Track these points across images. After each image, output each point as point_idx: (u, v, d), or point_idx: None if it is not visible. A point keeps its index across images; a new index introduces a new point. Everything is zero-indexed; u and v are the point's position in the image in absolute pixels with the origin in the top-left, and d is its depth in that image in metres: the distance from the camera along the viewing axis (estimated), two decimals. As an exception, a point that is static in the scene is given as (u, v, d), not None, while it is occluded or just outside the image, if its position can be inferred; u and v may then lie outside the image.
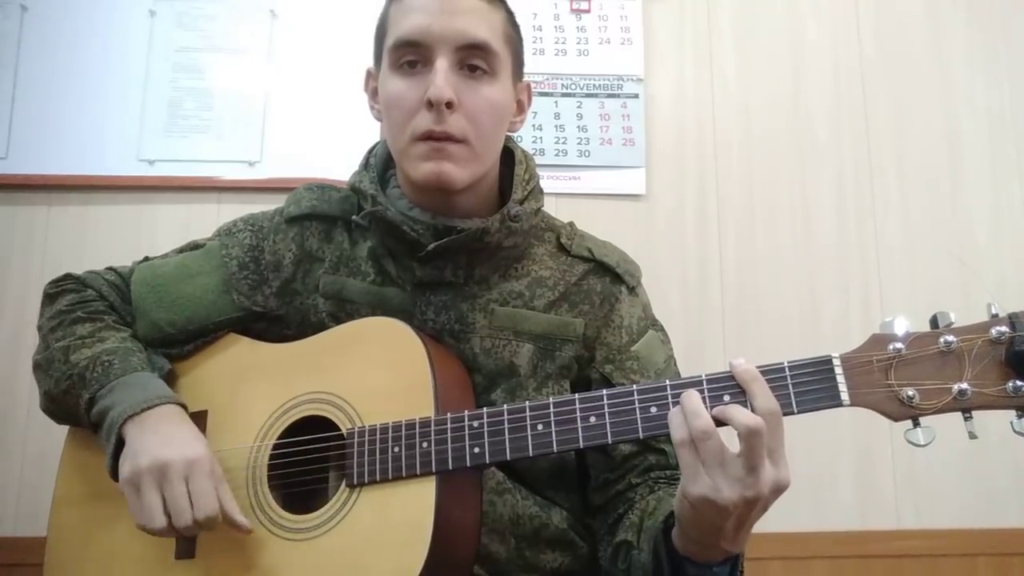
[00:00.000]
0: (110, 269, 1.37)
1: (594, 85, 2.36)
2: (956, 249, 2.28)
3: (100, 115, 2.25)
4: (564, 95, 2.35)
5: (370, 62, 1.33)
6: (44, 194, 2.22)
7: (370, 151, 1.35)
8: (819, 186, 2.33)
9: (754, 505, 0.93)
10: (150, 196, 2.24)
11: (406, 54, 1.21)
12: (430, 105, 1.17)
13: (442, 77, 1.17)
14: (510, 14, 1.29)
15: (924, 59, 2.39)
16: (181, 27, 2.30)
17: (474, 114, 1.20)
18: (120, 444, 1.15)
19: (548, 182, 2.25)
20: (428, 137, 1.18)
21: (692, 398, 0.96)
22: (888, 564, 2.11)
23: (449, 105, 1.17)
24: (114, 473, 1.16)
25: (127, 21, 2.30)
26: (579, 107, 2.35)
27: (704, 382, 1.00)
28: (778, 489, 0.94)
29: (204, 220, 2.16)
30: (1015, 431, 0.91)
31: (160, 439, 1.13)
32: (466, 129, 1.19)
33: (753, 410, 0.94)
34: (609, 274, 1.31)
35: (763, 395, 0.95)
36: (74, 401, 1.22)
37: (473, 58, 1.20)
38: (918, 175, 2.33)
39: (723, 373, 1.00)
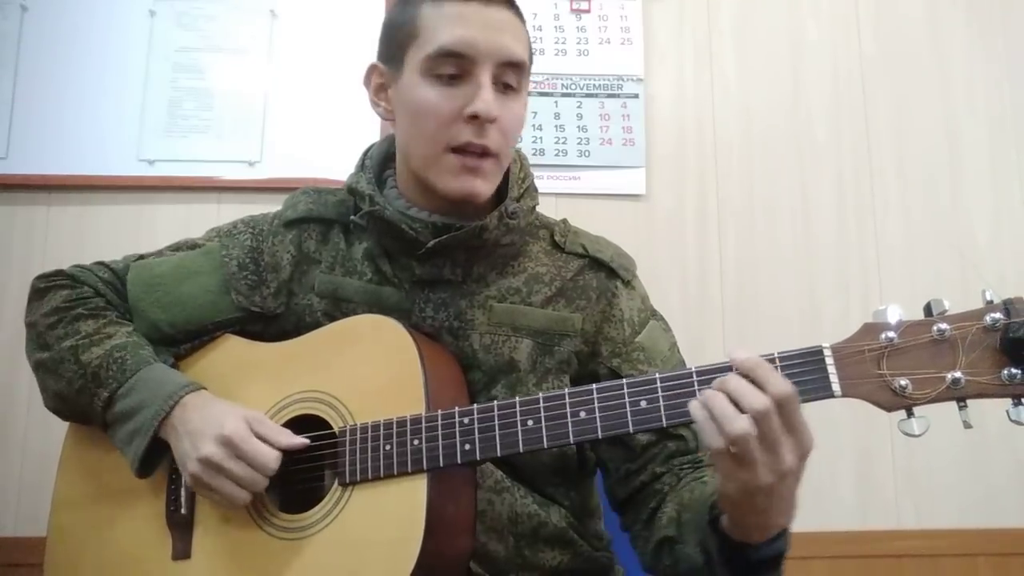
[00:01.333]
0: (102, 265, 1.36)
1: (594, 85, 2.36)
2: (956, 247, 2.27)
3: (100, 115, 2.25)
4: (564, 95, 2.35)
5: (371, 60, 1.31)
6: (44, 194, 2.23)
7: (365, 153, 1.35)
8: (819, 186, 2.32)
9: (787, 476, 0.93)
10: (150, 196, 2.24)
11: (447, 64, 1.18)
12: (473, 118, 1.17)
13: (489, 92, 1.17)
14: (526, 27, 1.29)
15: (924, 59, 2.39)
16: (181, 27, 2.31)
17: (507, 130, 1.21)
18: (154, 444, 1.19)
19: (548, 182, 2.27)
20: (465, 150, 1.18)
21: (717, 400, 0.94)
22: (888, 564, 2.11)
23: (492, 121, 1.17)
24: (141, 473, 1.20)
25: (127, 21, 2.30)
26: (579, 107, 2.34)
27: (694, 375, 1.00)
28: (804, 455, 0.93)
29: (204, 220, 2.12)
30: (1011, 419, 0.90)
31: (193, 436, 1.15)
32: (500, 145, 1.20)
33: (771, 396, 0.91)
34: (604, 269, 1.32)
35: (773, 379, 0.93)
36: (88, 400, 1.22)
37: (508, 75, 1.20)
38: (918, 175, 2.33)
39: (712, 365, 1.00)
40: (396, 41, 1.24)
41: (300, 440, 1.15)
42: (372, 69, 1.30)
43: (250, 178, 2.25)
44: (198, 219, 2.21)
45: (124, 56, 2.28)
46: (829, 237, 2.30)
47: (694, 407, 0.96)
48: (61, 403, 1.28)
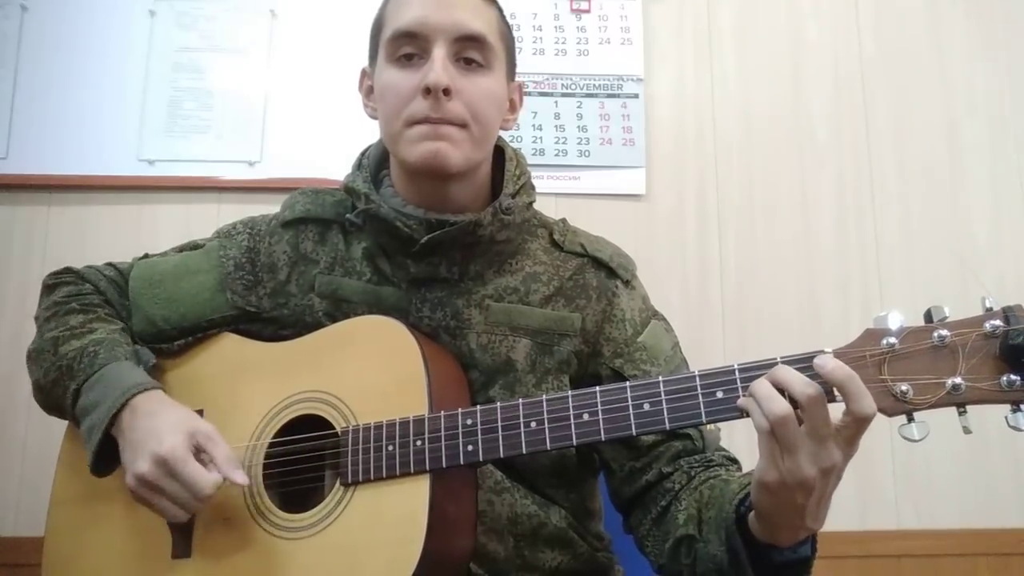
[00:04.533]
0: (110, 265, 1.39)
1: (594, 85, 2.36)
2: (956, 248, 2.28)
3: (100, 115, 2.25)
4: (564, 95, 2.35)
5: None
6: (44, 194, 2.23)
7: (363, 153, 1.36)
8: (819, 185, 2.33)
9: (830, 474, 0.92)
10: (150, 196, 2.24)
11: (404, 45, 1.22)
12: (427, 92, 1.18)
13: (440, 64, 1.18)
14: (502, 13, 1.31)
15: (924, 59, 2.39)
16: (181, 27, 2.31)
17: (471, 102, 1.21)
18: (106, 441, 1.17)
19: (548, 182, 2.27)
20: (424, 122, 1.19)
21: (762, 386, 0.94)
22: (888, 564, 2.11)
23: (447, 92, 1.18)
24: (95, 471, 1.18)
25: (127, 21, 2.30)
26: (579, 107, 2.34)
27: (697, 378, 1.00)
28: (848, 454, 0.93)
29: (204, 220, 2.16)
30: (1009, 425, 0.90)
31: (133, 447, 1.14)
32: (464, 114, 1.20)
33: (851, 413, 0.91)
34: (603, 269, 1.31)
35: (859, 396, 0.92)
36: (61, 392, 1.23)
37: (469, 50, 1.22)
38: (918, 174, 2.33)
39: (713, 369, 1.00)
40: (372, 39, 1.30)
41: (242, 478, 1.13)
42: (362, 74, 1.35)
43: (250, 178, 2.25)
44: (198, 219, 2.22)
45: (124, 56, 2.28)
46: (829, 237, 2.30)
47: (743, 398, 0.97)
48: (39, 393, 1.30)
